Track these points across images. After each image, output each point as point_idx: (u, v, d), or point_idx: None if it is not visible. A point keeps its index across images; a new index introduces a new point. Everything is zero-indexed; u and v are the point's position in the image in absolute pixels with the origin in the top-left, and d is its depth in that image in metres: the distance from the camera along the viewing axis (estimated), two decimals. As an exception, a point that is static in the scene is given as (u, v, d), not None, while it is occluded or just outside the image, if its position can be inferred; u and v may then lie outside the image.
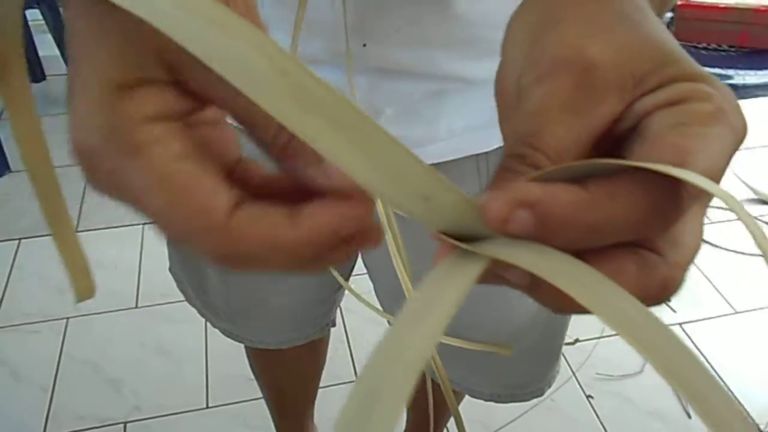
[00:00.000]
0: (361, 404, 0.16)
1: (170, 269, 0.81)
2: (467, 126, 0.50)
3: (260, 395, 1.29)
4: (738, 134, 0.20)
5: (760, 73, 1.61)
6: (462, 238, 0.20)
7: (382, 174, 0.18)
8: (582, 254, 0.18)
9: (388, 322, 0.79)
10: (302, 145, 0.18)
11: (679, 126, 0.19)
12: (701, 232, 0.20)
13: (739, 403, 1.32)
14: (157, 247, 1.63)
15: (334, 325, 0.84)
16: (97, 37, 0.19)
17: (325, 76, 0.48)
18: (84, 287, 0.25)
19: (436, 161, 0.51)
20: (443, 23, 0.41)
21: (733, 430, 0.15)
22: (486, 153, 0.52)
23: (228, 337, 0.81)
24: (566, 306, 0.19)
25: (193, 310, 1.54)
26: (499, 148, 0.52)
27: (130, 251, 1.64)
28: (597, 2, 0.21)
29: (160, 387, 1.33)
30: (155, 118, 0.19)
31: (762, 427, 1.27)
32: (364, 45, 0.43)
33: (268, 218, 0.18)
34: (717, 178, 0.19)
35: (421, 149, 0.50)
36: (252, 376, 1.30)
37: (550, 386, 0.71)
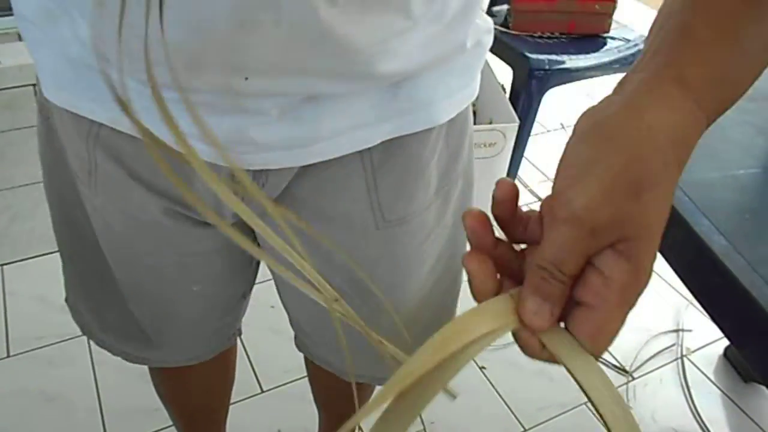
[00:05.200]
0: None
1: (66, 299, 0.77)
2: (350, 125, 0.51)
3: (161, 426, 1.25)
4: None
5: (589, 56, 1.80)
6: None
7: None
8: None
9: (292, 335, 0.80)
10: None
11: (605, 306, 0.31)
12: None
13: (609, 352, 1.49)
14: (21, 287, 1.51)
15: (240, 333, 0.84)
16: None
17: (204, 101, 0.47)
18: None
19: (319, 160, 0.52)
20: (321, 55, 0.44)
21: None
22: (369, 149, 0.54)
23: (132, 362, 0.78)
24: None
25: (77, 347, 1.45)
26: (383, 143, 0.54)
27: (-10, 296, 1.50)
28: (626, 169, 0.30)
29: (52, 436, 1.24)
30: None
31: (627, 367, 1.45)
32: (246, 78, 0.44)
33: None
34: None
35: (305, 149, 0.51)
36: (152, 407, 1.25)
37: None
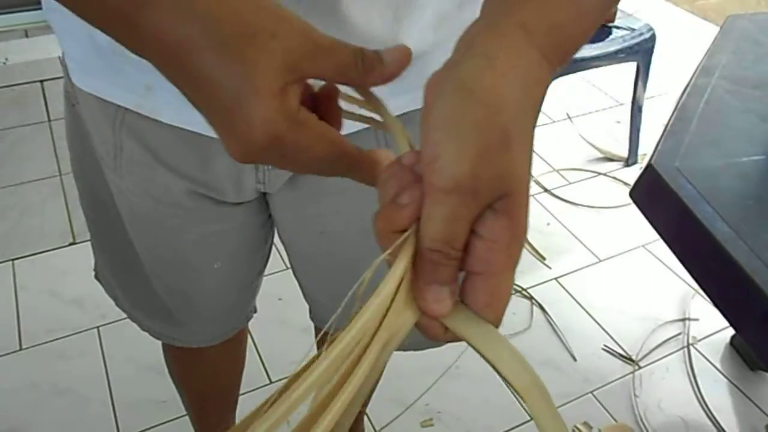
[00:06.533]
0: None
1: (96, 276, 0.80)
2: None
3: (173, 416, 1.27)
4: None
5: (593, 46, 1.80)
6: None
7: None
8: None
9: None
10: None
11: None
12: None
13: (613, 339, 1.50)
14: (32, 281, 1.53)
15: (255, 311, 0.87)
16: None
17: None
18: None
19: None
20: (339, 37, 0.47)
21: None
22: None
23: (158, 338, 0.82)
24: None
25: (88, 340, 1.48)
26: (399, 116, 0.56)
27: (2, 289, 1.52)
28: (492, 122, 0.28)
29: (65, 427, 1.26)
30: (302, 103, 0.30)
31: (633, 356, 1.45)
32: None
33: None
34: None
35: None
36: (163, 398, 1.27)
37: None
